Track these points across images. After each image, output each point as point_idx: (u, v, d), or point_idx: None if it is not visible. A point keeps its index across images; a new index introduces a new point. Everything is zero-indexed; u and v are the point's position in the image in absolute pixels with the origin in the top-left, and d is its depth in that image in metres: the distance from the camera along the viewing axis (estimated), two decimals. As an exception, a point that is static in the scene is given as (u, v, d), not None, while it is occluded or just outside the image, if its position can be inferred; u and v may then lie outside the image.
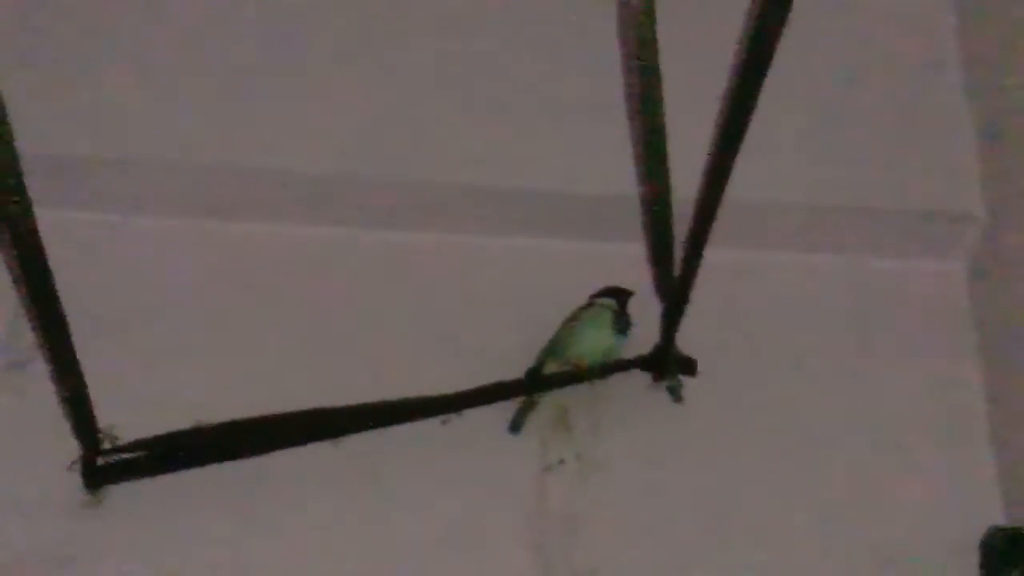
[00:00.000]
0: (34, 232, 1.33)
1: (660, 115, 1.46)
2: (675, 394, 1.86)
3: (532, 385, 1.82)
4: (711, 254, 1.65)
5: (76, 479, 1.69)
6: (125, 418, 1.68)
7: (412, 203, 1.96)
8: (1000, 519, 1.83)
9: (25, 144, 1.27)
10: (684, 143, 1.54)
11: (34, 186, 1.32)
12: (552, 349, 1.84)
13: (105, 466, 1.68)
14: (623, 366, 1.84)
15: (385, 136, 1.95)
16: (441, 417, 1.78)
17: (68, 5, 2.01)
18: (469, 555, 1.73)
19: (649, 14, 1.36)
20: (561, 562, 1.74)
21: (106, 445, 1.67)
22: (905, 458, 1.87)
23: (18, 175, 1.27)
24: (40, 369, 1.72)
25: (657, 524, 1.78)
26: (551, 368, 1.83)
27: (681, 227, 1.64)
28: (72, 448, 1.67)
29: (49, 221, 1.36)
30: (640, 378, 1.86)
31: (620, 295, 1.85)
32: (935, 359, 1.96)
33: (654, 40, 1.38)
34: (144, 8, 2.02)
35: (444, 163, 1.93)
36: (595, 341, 1.83)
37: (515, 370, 1.83)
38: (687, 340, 1.84)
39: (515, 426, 1.82)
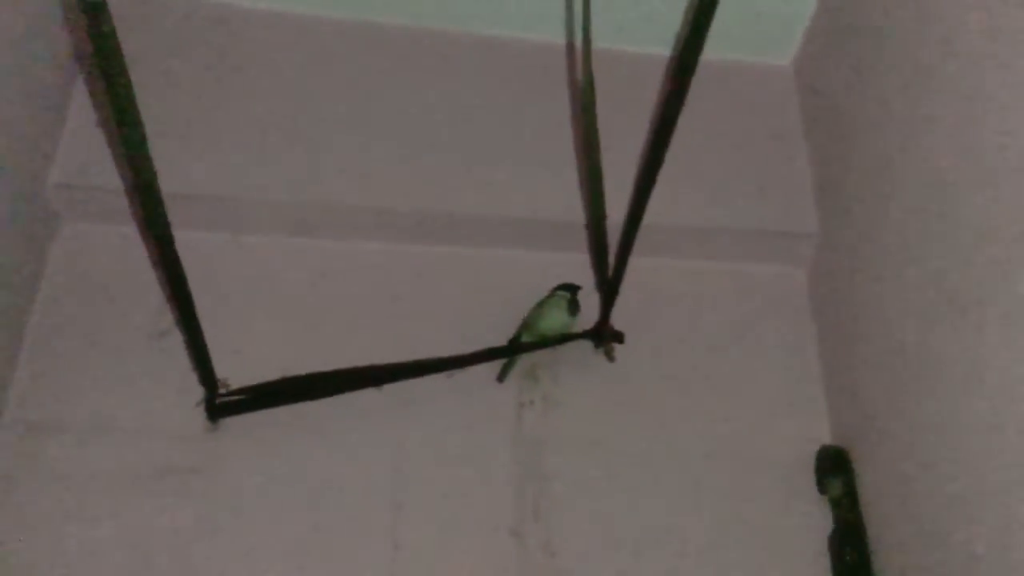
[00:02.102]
0: (172, 245, 1.40)
1: (598, 165, 1.56)
2: (609, 355, 1.94)
3: (512, 349, 1.90)
4: (634, 261, 1.74)
5: (201, 413, 1.77)
6: (236, 372, 1.74)
7: (433, 225, 1.99)
8: (829, 440, 1.92)
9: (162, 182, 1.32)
10: (616, 185, 1.64)
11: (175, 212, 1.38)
12: (526, 325, 1.93)
13: (221, 405, 1.76)
14: (574, 337, 1.93)
15: (416, 176, 1.98)
16: (448, 372, 1.86)
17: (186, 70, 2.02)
18: (472, 462, 1.82)
19: (591, 97, 1.45)
20: (534, 470, 1.83)
21: (222, 390, 1.74)
22: (764, 404, 1.95)
23: (161, 205, 1.33)
24: (177, 337, 1.80)
25: (599, 442, 1.87)
26: (525, 338, 1.91)
27: (612, 241, 1.73)
28: (199, 392, 1.75)
29: (181, 238, 1.42)
30: (586, 345, 1.96)
31: (572, 288, 1.93)
32: (783, 338, 2.04)
33: (594, 115, 1.47)
34: (237, 81, 2.03)
35: (454, 195, 1.97)
36: (555, 320, 1.91)
37: (500, 340, 1.91)
38: (617, 320, 1.92)
39: (501, 377, 1.91)
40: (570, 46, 2.13)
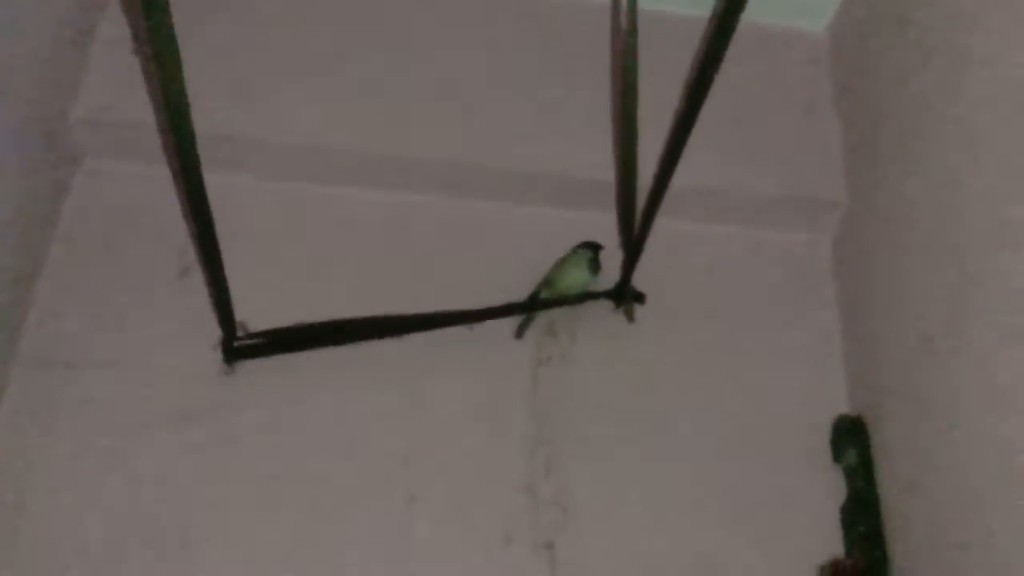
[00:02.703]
0: (201, 183, 1.40)
1: (634, 124, 1.55)
2: (629, 316, 1.94)
3: (531, 306, 1.89)
4: (659, 223, 1.73)
5: (218, 355, 1.77)
6: (254, 315, 1.74)
7: (459, 177, 1.98)
8: (846, 409, 1.91)
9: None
10: (645, 144, 1.63)
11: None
12: (546, 281, 1.91)
13: (239, 347, 1.75)
14: (594, 296, 1.92)
15: (445, 127, 1.96)
16: (470, 325, 1.85)
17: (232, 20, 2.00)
18: (487, 417, 1.82)
19: (633, 55, 1.45)
20: (549, 423, 1.83)
21: (240, 333, 1.73)
22: (783, 371, 1.94)
23: (194, 145, 1.33)
24: (199, 277, 1.79)
25: (614, 402, 1.86)
26: (545, 294, 1.90)
27: (639, 203, 1.72)
28: (217, 333, 1.74)
29: (206, 179, 1.41)
30: (606, 304, 1.94)
31: (595, 247, 1.91)
32: (805, 306, 2.02)
33: (635, 76, 1.47)
34: (270, 24, 2.01)
35: (484, 148, 1.96)
36: (576, 277, 1.90)
37: (520, 295, 1.90)
38: (637, 281, 1.91)
39: (519, 333, 1.90)
40: (615, 4, 2.08)
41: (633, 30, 1.43)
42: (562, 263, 1.91)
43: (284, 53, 1.99)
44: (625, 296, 1.91)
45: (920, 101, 1.79)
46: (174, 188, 1.84)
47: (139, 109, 1.85)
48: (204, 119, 1.33)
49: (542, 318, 1.91)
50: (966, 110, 1.64)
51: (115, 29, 1.93)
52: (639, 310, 1.93)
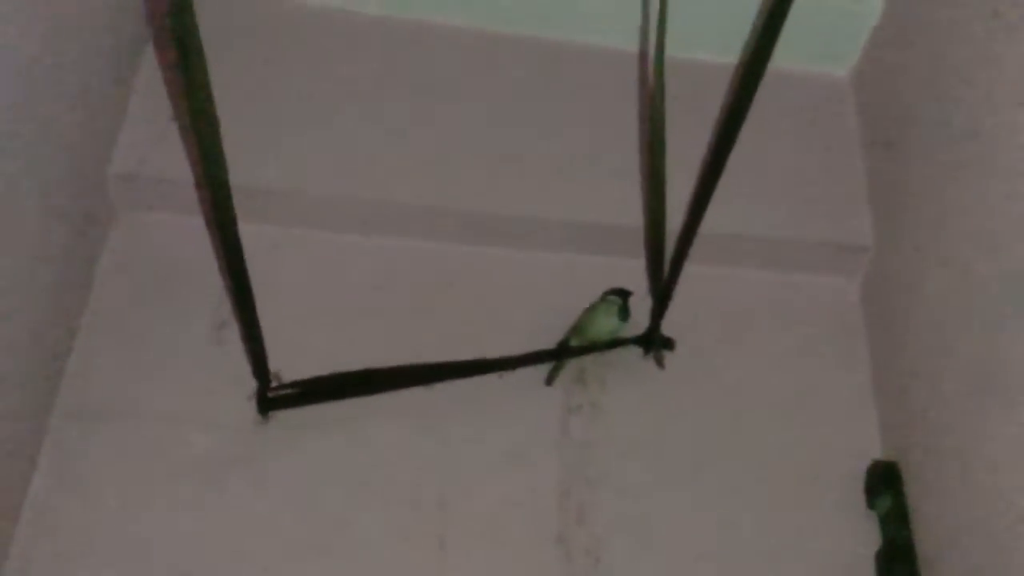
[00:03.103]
0: (236, 236, 1.41)
1: (663, 170, 1.55)
2: (659, 362, 1.93)
3: (561, 353, 1.89)
4: (688, 268, 1.73)
5: (253, 406, 1.76)
6: (288, 366, 1.74)
7: (488, 226, 1.98)
8: (879, 455, 1.89)
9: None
10: (672, 194, 1.63)
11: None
12: (576, 328, 1.90)
13: (273, 398, 1.75)
14: (624, 342, 1.91)
15: (474, 176, 1.98)
16: (499, 373, 1.84)
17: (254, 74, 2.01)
18: (515, 467, 1.80)
19: (661, 104, 1.45)
20: (579, 474, 1.82)
21: (274, 383, 1.73)
22: (814, 417, 1.92)
23: (230, 200, 1.34)
24: (233, 330, 1.79)
25: (645, 449, 1.85)
26: (575, 342, 1.89)
27: (667, 247, 1.72)
28: (252, 384, 1.73)
29: (240, 230, 1.42)
30: (635, 351, 1.93)
31: (624, 293, 1.90)
32: (835, 350, 2.01)
33: (663, 131, 1.47)
34: (303, 76, 2.03)
35: (512, 197, 1.97)
36: (605, 324, 1.89)
37: (550, 342, 1.90)
38: (668, 326, 1.90)
39: (549, 381, 1.89)
40: (642, 53, 2.10)
41: (660, 87, 1.44)
42: (591, 310, 1.90)
43: (315, 103, 2.00)
44: (655, 342, 1.90)
45: (946, 143, 1.79)
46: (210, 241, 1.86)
47: (174, 163, 1.86)
48: (237, 170, 1.34)
49: (572, 365, 1.89)
50: (994, 150, 1.63)
51: (151, 82, 1.96)
52: (669, 356, 1.92)
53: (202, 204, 1.85)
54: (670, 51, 1.43)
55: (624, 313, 1.89)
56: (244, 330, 1.62)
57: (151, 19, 1.85)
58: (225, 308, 1.83)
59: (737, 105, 1.39)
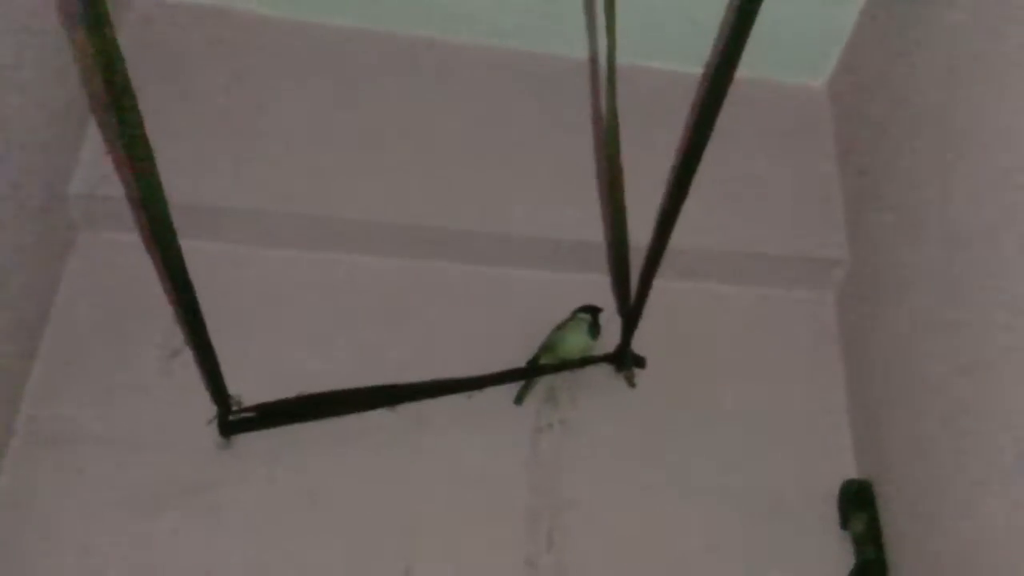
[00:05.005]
0: (183, 268, 1.36)
1: (621, 193, 1.50)
2: (630, 381, 1.89)
3: (531, 371, 1.85)
4: (659, 284, 1.69)
5: (214, 430, 1.72)
6: (248, 389, 1.70)
7: (452, 243, 1.93)
8: (853, 473, 1.86)
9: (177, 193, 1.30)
10: (639, 206, 1.57)
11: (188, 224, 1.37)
12: (545, 346, 1.87)
13: (234, 422, 1.71)
14: (594, 360, 1.88)
15: (436, 192, 1.93)
16: (467, 393, 1.81)
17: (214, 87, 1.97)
18: (484, 487, 1.76)
19: (614, 120, 1.39)
20: (548, 495, 1.78)
21: (234, 407, 1.69)
22: (787, 434, 1.89)
23: (173, 234, 1.30)
24: (188, 356, 1.74)
25: (615, 469, 1.81)
26: (545, 360, 1.86)
27: (636, 265, 1.66)
28: (211, 409, 1.69)
29: (195, 249, 1.40)
30: (606, 369, 1.90)
31: (594, 310, 1.88)
32: (809, 366, 1.98)
33: (617, 135, 1.41)
34: (253, 93, 1.98)
35: (476, 213, 1.93)
36: (575, 342, 1.85)
37: (519, 361, 1.86)
38: (639, 343, 1.85)
39: (519, 399, 1.85)
40: (593, 64, 2.06)
41: (612, 108, 1.37)
42: (561, 328, 1.87)
43: (275, 120, 1.96)
44: (625, 361, 1.87)
45: (921, 156, 1.75)
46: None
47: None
48: (193, 190, 1.29)
49: (542, 384, 1.86)
50: (969, 164, 1.60)
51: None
52: (640, 374, 1.88)
53: (142, 235, 1.83)
54: (632, 58, 1.38)
55: (594, 330, 1.86)
56: (197, 354, 1.58)
57: (75, 54, 1.78)
58: (178, 336, 1.78)
59: (704, 116, 1.34)
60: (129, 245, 1.85)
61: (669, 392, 1.89)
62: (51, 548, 1.61)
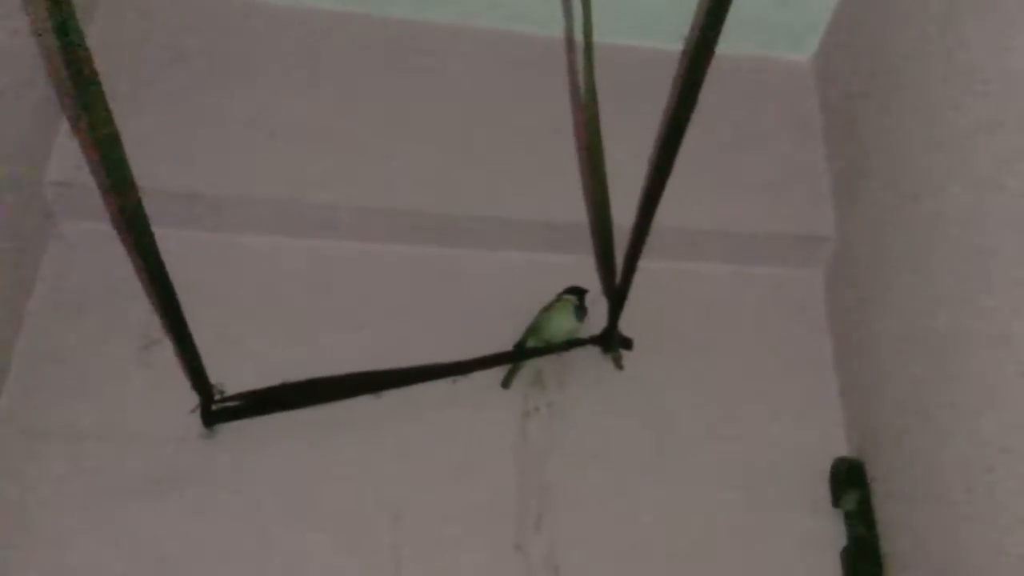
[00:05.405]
0: (159, 262, 1.34)
1: (603, 173, 1.49)
2: (617, 362, 1.88)
3: (518, 355, 1.84)
4: (645, 264, 1.66)
5: (196, 420, 1.69)
6: (231, 377, 1.67)
7: (434, 226, 1.91)
8: (844, 451, 1.85)
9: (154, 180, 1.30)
10: (624, 186, 1.56)
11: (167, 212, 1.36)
12: (532, 329, 1.86)
13: (217, 411, 1.69)
14: (581, 342, 1.86)
15: (417, 176, 1.91)
16: (452, 378, 1.79)
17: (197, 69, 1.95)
18: (472, 475, 1.74)
19: (593, 101, 1.37)
20: (536, 479, 1.76)
21: (217, 396, 1.67)
22: (778, 413, 1.87)
23: (149, 229, 1.27)
24: (168, 346, 1.71)
25: (603, 452, 1.79)
26: (531, 343, 1.85)
27: (620, 245, 1.64)
28: (193, 399, 1.67)
29: (177, 237, 1.42)
30: (593, 351, 1.88)
31: (580, 292, 1.86)
32: (799, 344, 1.96)
33: (597, 116, 1.39)
34: (240, 87, 1.95)
35: (458, 196, 1.90)
36: (562, 324, 1.84)
37: (506, 344, 1.84)
38: (626, 325, 1.84)
39: (505, 383, 1.84)
40: (569, 43, 2.03)
41: (591, 85, 1.34)
42: (547, 310, 1.85)
43: (255, 105, 1.93)
44: (612, 342, 1.85)
45: (908, 130, 1.72)
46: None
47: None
48: (172, 177, 1.26)
49: (529, 367, 1.85)
50: (955, 138, 1.57)
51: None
52: (627, 355, 1.86)
53: (116, 227, 1.80)
54: (612, 37, 1.36)
55: (581, 312, 1.85)
56: (176, 343, 1.56)
57: (39, 41, 1.73)
58: (156, 326, 1.75)
59: (685, 93, 1.31)
60: (107, 234, 1.82)
61: (657, 373, 1.87)
62: (30, 541, 1.59)
